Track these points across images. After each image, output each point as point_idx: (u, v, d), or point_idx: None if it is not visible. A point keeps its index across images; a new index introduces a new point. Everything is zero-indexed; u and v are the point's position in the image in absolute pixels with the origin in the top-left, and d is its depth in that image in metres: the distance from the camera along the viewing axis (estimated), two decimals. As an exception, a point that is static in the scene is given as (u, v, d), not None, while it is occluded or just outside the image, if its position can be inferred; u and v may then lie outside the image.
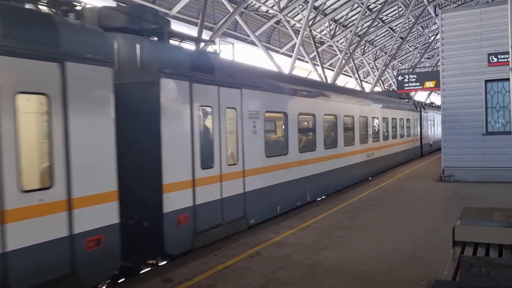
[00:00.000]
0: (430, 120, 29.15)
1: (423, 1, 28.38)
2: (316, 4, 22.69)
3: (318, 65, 24.03)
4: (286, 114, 10.17)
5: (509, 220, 4.13)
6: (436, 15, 27.68)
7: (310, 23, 23.57)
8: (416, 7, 28.96)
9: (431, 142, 29.10)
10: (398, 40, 32.10)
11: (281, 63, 21.83)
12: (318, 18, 24.40)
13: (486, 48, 14.16)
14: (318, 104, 11.92)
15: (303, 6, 22.26)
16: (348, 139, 13.93)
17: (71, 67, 4.98)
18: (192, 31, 17.24)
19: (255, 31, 21.01)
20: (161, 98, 6.45)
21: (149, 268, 6.93)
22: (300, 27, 21.77)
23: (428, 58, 43.57)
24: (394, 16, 30.40)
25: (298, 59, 23.09)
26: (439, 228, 8.10)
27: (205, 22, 15.00)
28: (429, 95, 41.08)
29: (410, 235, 7.84)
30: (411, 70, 31.45)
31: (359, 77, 32.26)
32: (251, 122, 8.63)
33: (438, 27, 19.11)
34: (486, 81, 14.27)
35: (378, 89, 32.62)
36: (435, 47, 36.93)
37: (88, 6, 7.35)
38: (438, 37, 18.72)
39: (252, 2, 20.22)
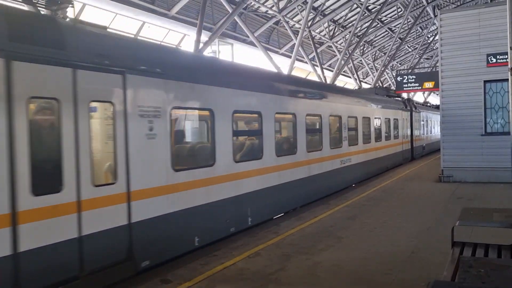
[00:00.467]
0: (423, 121, 27.17)
1: (422, 2, 28.39)
2: (315, 4, 22.67)
3: (317, 66, 24.02)
4: (211, 111, 7.54)
5: (508, 220, 4.14)
6: (435, 16, 27.69)
7: (309, 23, 23.58)
8: (415, 8, 28.97)
9: (424, 145, 27.08)
10: (397, 40, 32.08)
11: (280, 64, 21.84)
12: (317, 18, 24.39)
13: (485, 49, 14.19)
14: (265, 100, 9.19)
15: (302, 6, 22.26)
16: (314, 144, 11.55)
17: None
18: (191, 32, 17.28)
19: (254, 31, 21.00)
20: None
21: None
22: (299, 28, 21.75)
23: (427, 58, 43.55)
24: (393, 17, 30.41)
25: (297, 59, 23.11)
26: (439, 229, 8.10)
27: (204, 23, 15.00)
28: (428, 95, 41.10)
29: (410, 235, 7.84)
30: (410, 70, 31.48)
31: (358, 77, 32.24)
32: (145, 123, 6.13)
33: (437, 28, 19.09)
34: (485, 81, 14.31)
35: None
36: (434, 48, 36.90)
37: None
38: (437, 37, 18.68)
39: (251, 2, 20.22)
